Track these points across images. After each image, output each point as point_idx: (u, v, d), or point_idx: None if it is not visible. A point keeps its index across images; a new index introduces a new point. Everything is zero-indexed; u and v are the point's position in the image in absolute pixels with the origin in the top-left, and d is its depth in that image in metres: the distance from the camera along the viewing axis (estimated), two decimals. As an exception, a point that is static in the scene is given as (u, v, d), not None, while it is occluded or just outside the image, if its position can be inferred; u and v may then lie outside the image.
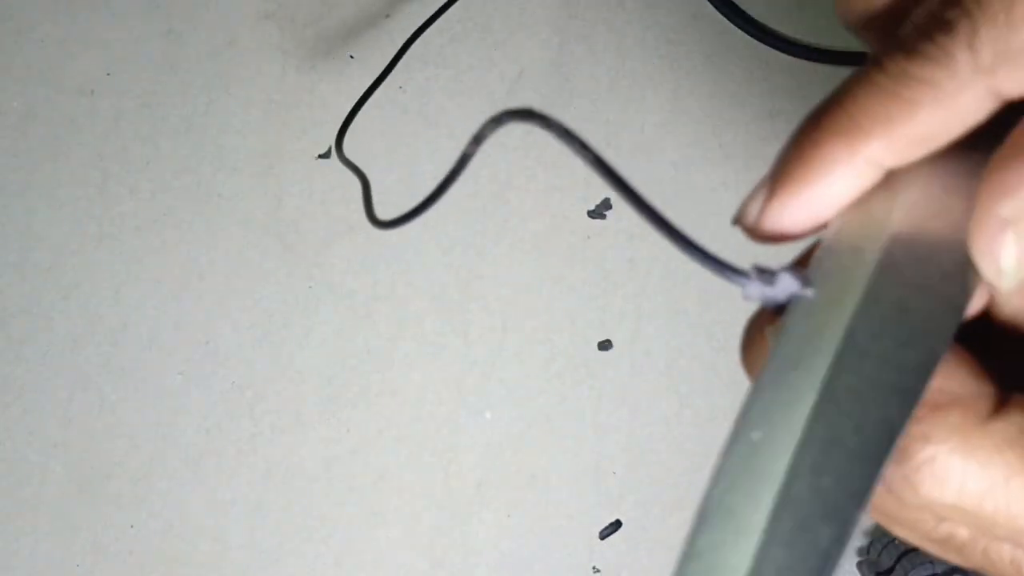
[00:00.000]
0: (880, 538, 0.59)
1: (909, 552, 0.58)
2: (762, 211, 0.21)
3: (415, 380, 0.60)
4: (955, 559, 0.21)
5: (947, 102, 0.18)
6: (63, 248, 0.60)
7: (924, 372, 0.17)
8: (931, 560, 0.57)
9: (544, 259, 0.61)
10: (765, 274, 0.20)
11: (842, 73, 0.24)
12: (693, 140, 0.61)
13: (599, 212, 0.61)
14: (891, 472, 0.18)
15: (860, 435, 0.17)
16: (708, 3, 0.62)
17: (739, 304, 0.65)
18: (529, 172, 0.61)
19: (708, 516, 0.17)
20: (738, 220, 0.22)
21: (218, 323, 0.60)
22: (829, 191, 0.20)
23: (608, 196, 0.61)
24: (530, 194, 0.61)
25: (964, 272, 0.18)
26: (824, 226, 0.21)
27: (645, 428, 0.59)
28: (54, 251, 0.60)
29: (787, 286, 0.20)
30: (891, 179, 0.20)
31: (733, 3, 0.62)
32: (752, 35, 0.62)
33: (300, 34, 0.62)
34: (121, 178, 0.61)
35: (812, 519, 0.16)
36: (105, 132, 0.61)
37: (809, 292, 0.19)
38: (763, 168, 0.69)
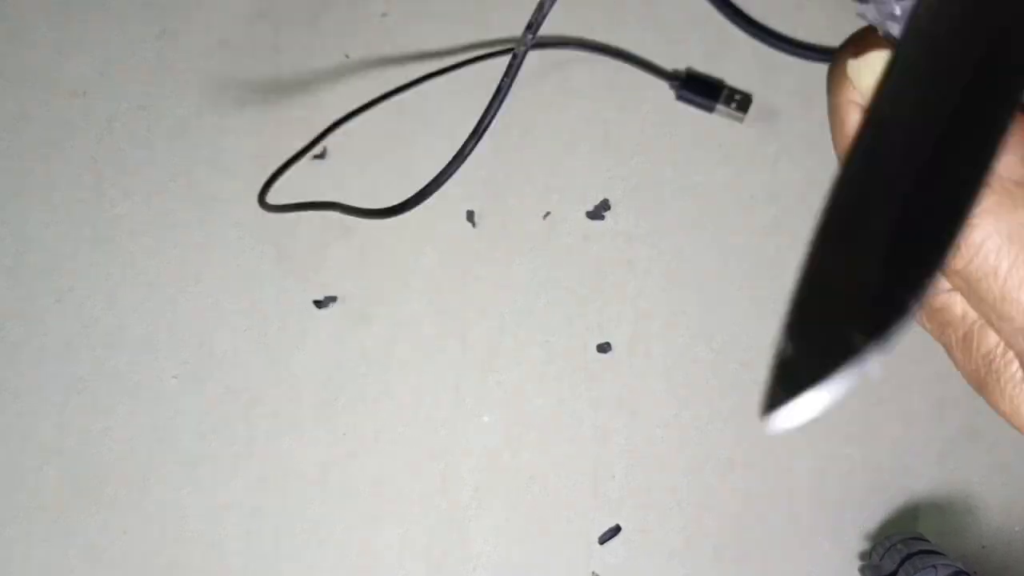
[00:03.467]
0: (883, 543, 0.58)
1: (912, 556, 0.57)
2: None
3: (412, 383, 0.59)
4: (932, 329, 0.22)
5: None
6: (57, 251, 0.60)
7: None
8: (934, 564, 0.56)
9: (542, 261, 0.60)
10: None
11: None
12: (693, 140, 0.61)
13: (597, 213, 0.60)
14: None
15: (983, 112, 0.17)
16: (708, 2, 0.61)
17: (738, 305, 0.65)
18: (527, 172, 0.61)
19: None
20: None
21: (213, 326, 0.59)
22: None
23: (607, 197, 0.60)
24: (528, 195, 0.60)
25: None
26: None
27: (644, 431, 0.59)
28: (48, 254, 0.60)
29: (898, 5, 0.20)
30: None
31: (732, 3, 0.61)
32: (752, 34, 0.61)
33: (294, 33, 0.61)
34: (115, 180, 0.60)
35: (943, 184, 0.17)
36: (99, 134, 0.61)
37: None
38: (763, 167, 0.68)
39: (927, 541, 0.58)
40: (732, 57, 0.61)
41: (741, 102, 0.59)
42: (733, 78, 0.61)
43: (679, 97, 0.60)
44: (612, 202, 0.60)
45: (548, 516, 0.59)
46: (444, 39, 0.62)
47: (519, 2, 0.62)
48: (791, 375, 0.16)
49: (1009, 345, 0.21)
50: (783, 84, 0.61)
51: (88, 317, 0.59)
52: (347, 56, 0.61)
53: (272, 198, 0.60)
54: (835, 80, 0.23)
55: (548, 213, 0.60)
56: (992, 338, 0.22)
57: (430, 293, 0.60)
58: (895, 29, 0.20)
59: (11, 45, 0.61)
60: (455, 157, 0.26)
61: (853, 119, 0.22)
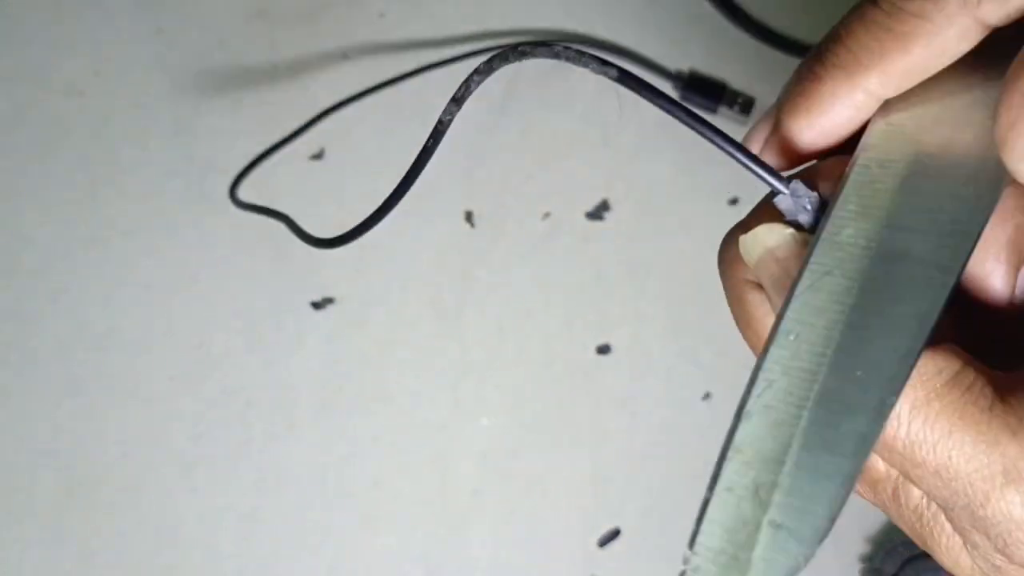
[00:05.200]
0: (884, 545, 0.58)
1: (913, 559, 0.57)
2: (767, 141, 0.24)
3: (410, 385, 0.59)
4: (863, 491, 0.22)
5: (938, 34, 0.20)
6: (51, 251, 0.59)
7: (954, 267, 0.18)
8: (936, 568, 0.56)
9: (542, 261, 0.60)
10: (799, 188, 0.22)
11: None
12: (693, 140, 0.60)
13: (597, 213, 0.60)
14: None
15: (895, 329, 0.18)
16: (708, 2, 0.61)
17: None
18: (525, 172, 0.60)
19: (748, 414, 0.19)
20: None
21: (210, 327, 0.59)
22: (831, 121, 0.22)
23: (606, 197, 0.60)
24: (527, 195, 0.60)
25: (986, 173, 0.19)
26: (821, 152, 0.23)
27: (644, 433, 0.59)
28: (42, 254, 0.59)
29: (809, 200, 0.22)
30: (888, 105, 0.22)
31: (733, 3, 0.61)
32: (752, 34, 0.61)
33: (292, 32, 0.61)
34: (110, 180, 0.60)
35: (847, 407, 0.18)
36: (94, 133, 0.60)
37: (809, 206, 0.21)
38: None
39: (929, 544, 0.58)
40: (733, 58, 0.61)
41: (744, 105, 0.59)
42: (734, 79, 0.61)
43: (682, 98, 0.60)
44: (612, 202, 0.60)
45: (547, 519, 0.58)
46: (442, 39, 0.62)
47: (518, 1, 0.62)
48: None
49: (930, 497, 0.20)
50: (783, 83, 0.60)
51: (83, 318, 0.59)
52: (345, 56, 0.61)
53: (268, 195, 0.60)
54: (726, 261, 0.24)
55: (548, 213, 0.60)
56: (916, 491, 0.21)
57: (428, 295, 0.59)
58: (805, 220, 0.22)
59: (5, 44, 0.61)
60: (393, 192, 0.26)
61: (751, 298, 0.23)
